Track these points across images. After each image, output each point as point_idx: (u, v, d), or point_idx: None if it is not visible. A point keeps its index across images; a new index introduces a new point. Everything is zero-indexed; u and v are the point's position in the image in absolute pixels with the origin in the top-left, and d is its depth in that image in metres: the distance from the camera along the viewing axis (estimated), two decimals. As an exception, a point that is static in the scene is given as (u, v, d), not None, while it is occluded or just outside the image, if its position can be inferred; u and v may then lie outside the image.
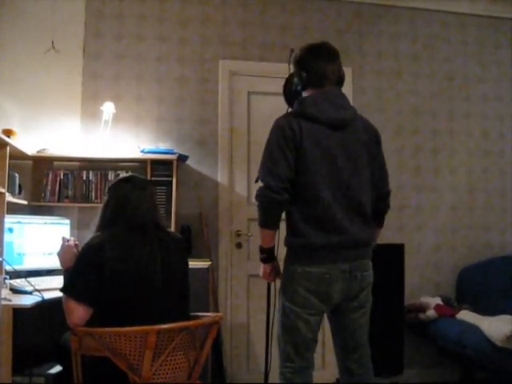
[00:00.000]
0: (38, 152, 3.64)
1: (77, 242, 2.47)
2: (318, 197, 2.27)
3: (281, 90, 2.75)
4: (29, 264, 3.25)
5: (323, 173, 2.29)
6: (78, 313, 2.14)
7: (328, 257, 2.28)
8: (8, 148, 3.12)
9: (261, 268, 2.50)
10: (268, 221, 2.33)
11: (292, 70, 2.48)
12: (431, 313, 3.88)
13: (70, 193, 3.66)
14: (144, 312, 2.17)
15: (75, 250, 2.40)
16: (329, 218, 2.28)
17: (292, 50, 2.52)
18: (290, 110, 2.69)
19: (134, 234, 2.25)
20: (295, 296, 2.31)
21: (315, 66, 2.39)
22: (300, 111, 2.34)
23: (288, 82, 2.64)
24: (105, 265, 2.13)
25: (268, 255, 2.43)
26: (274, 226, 2.34)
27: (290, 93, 2.60)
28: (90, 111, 3.90)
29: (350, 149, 2.35)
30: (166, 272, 2.25)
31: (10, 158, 3.16)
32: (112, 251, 2.16)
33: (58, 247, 2.43)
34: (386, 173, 2.54)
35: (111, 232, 2.24)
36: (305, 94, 2.44)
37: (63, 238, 2.45)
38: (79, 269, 2.19)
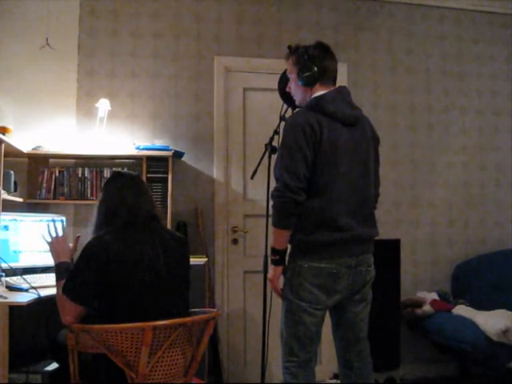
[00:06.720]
0: (33, 149, 3.64)
1: (79, 235, 2.50)
2: (328, 194, 2.28)
3: (276, 86, 2.75)
4: (24, 261, 3.25)
5: (336, 170, 2.30)
6: (72, 312, 2.15)
7: (335, 253, 2.28)
8: (3, 145, 3.12)
9: (270, 270, 2.43)
10: (284, 221, 2.29)
11: (295, 66, 2.45)
12: (427, 308, 3.88)
13: (65, 190, 3.65)
14: (149, 302, 2.17)
15: (70, 244, 2.42)
16: (337, 215, 2.28)
17: (290, 47, 2.51)
18: (285, 105, 2.70)
19: (134, 229, 2.25)
20: (302, 291, 2.30)
21: (325, 64, 2.42)
22: (319, 107, 2.33)
23: (283, 79, 2.64)
24: (110, 261, 2.12)
25: (281, 257, 2.37)
26: (290, 226, 2.31)
27: (285, 89, 2.60)
28: (85, 108, 3.88)
29: (361, 145, 2.39)
30: (168, 265, 2.25)
31: (5, 156, 3.16)
32: (117, 245, 2.15)
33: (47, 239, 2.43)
34: (378, 175, 2.57)
35: (112, 229, 2.23)
36: (309, 89, 2.42)
37: (52, 227, 2.44)
38: (81, 269, 2.17)
